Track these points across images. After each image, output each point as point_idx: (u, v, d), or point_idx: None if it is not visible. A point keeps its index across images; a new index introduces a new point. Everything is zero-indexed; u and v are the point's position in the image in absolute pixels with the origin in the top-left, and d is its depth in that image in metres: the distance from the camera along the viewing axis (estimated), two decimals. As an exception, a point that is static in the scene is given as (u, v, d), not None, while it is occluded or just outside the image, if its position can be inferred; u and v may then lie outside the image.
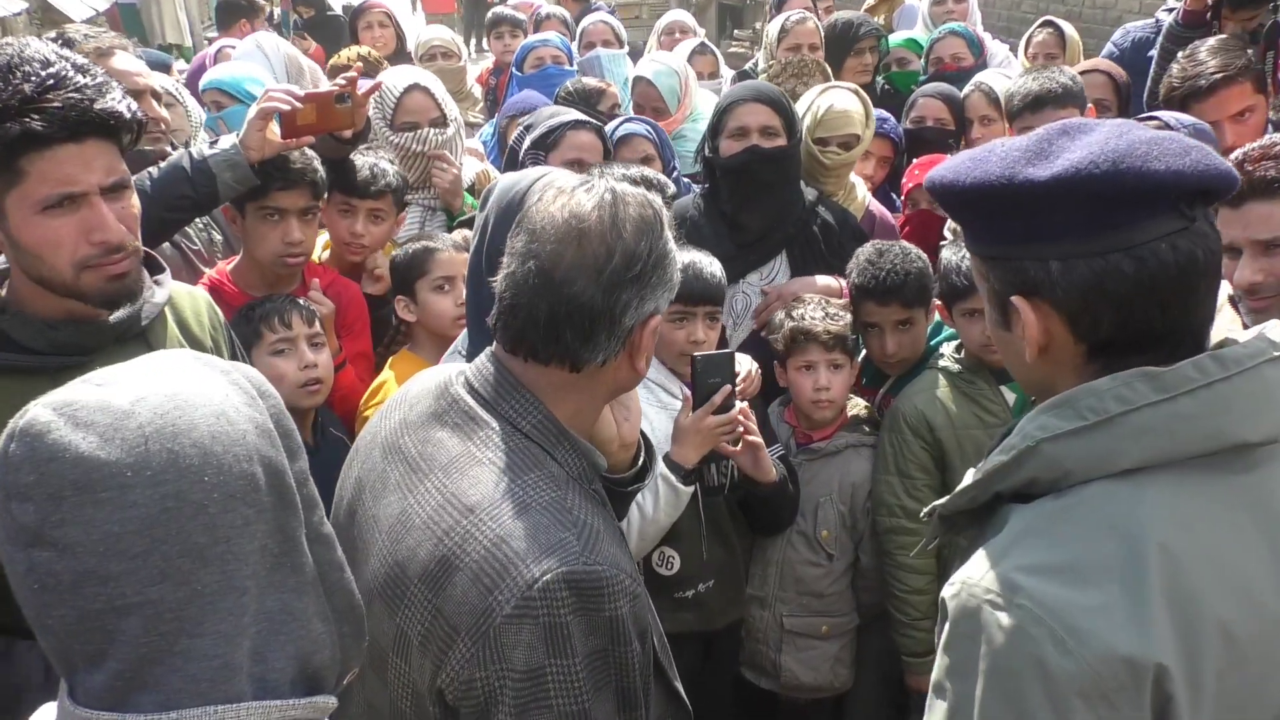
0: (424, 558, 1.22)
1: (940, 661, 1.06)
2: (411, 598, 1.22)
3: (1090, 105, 2.99)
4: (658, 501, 2.10)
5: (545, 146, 2.73)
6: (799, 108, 3.06)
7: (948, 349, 2.44)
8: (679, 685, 1.45)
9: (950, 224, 2.94)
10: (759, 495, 2.31)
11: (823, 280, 2.72)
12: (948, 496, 1.15)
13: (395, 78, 3.16)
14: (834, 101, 2.99)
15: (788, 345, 2.40)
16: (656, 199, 1.34)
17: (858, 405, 2.55)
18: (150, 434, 0.83)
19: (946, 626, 1.04)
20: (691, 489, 2.16)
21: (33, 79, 1.41)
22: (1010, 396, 2.34)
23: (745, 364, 2.32)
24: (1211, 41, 2.97)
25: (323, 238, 2.86)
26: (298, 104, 2.37)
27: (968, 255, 2.22)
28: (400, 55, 4.81)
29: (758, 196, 2.71)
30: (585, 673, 1.17)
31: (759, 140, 2.70)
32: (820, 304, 2.43)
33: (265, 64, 3.64)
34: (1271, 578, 1.01)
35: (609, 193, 1.29)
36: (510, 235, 1.33)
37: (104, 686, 0.83)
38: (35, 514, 0.81)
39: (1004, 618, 0.98)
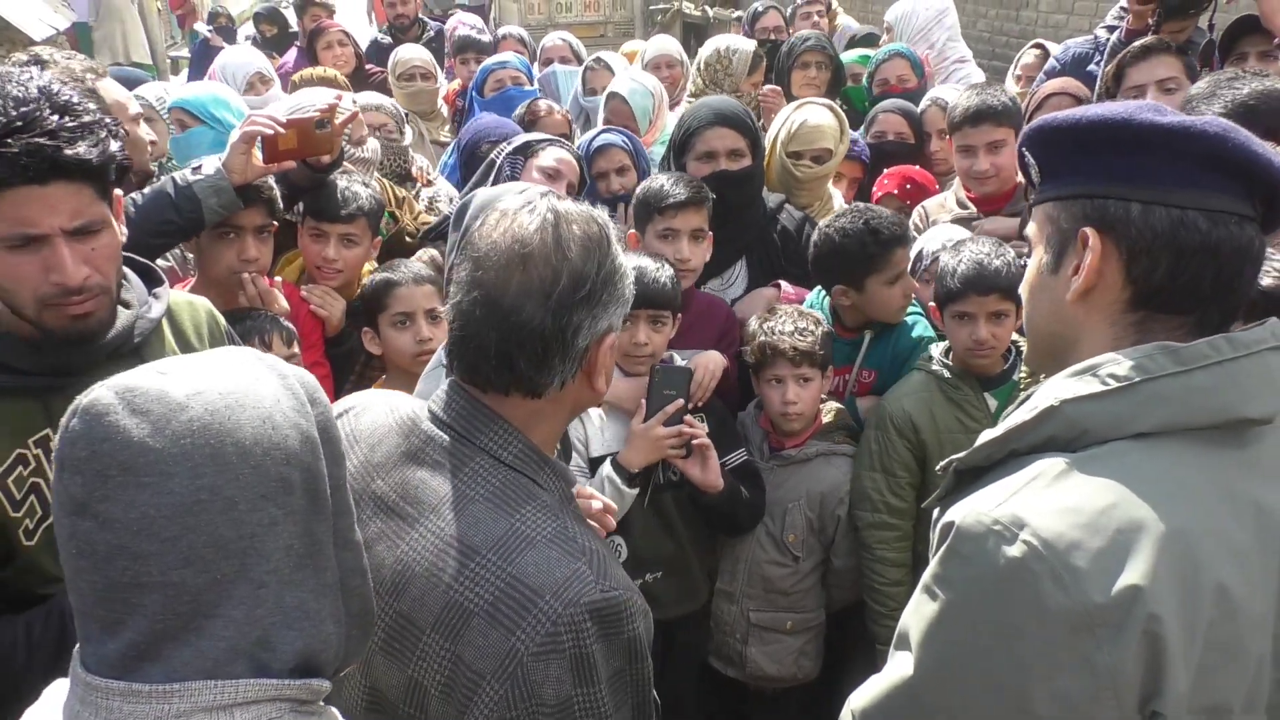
0: (434, 607, 1.19)
1: (934, 569, 1.11)
2: (426, 649, 1.19)
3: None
4: (581, 486, 2.18)
5: (525, 154, 2.76)
6: (774, 123, 3.11)
7: (936, 353, 2.49)
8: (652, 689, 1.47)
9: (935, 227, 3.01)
10: (704, 503, 2.37)
11: (768, 293, 2.78)
12: (966, 451, 1.20)
13: (363, 101, 3.33)
14: (808, 116, 3.05)
15: (758, 359, 2.46)
16: (601, 214, 1.32)
17: (831, 410, 2.60)
18: (198, 429, 0.89)
19: (947, 543, 1.09)
20: (635, 491, 2.25)
21: (0, 119, 1.40)
22: (993, 403, 2.40)
23: (714, 361, 2.41)
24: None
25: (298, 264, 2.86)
26: (280, 129, 2.39)
27: (964, 259, 2.28)
28: (359, 74, 4.83)
29: (726, 217, 2.76)
30: (608, 696, 1.18)
31: (726, 164, 2.77)
32: (791, 317, 2.47)
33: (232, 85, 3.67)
34: (1256, 541, 1.08)
35: (551, 212, 1.26)
36: (455, 263, 1.31)
37: (116, 654, 0.89)
38: (83, 487, 0.87)
39: (1008, 549, 1.03)
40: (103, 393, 0.90)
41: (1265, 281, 1.57)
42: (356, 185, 2.74)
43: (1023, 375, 2.43)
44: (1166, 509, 1.04)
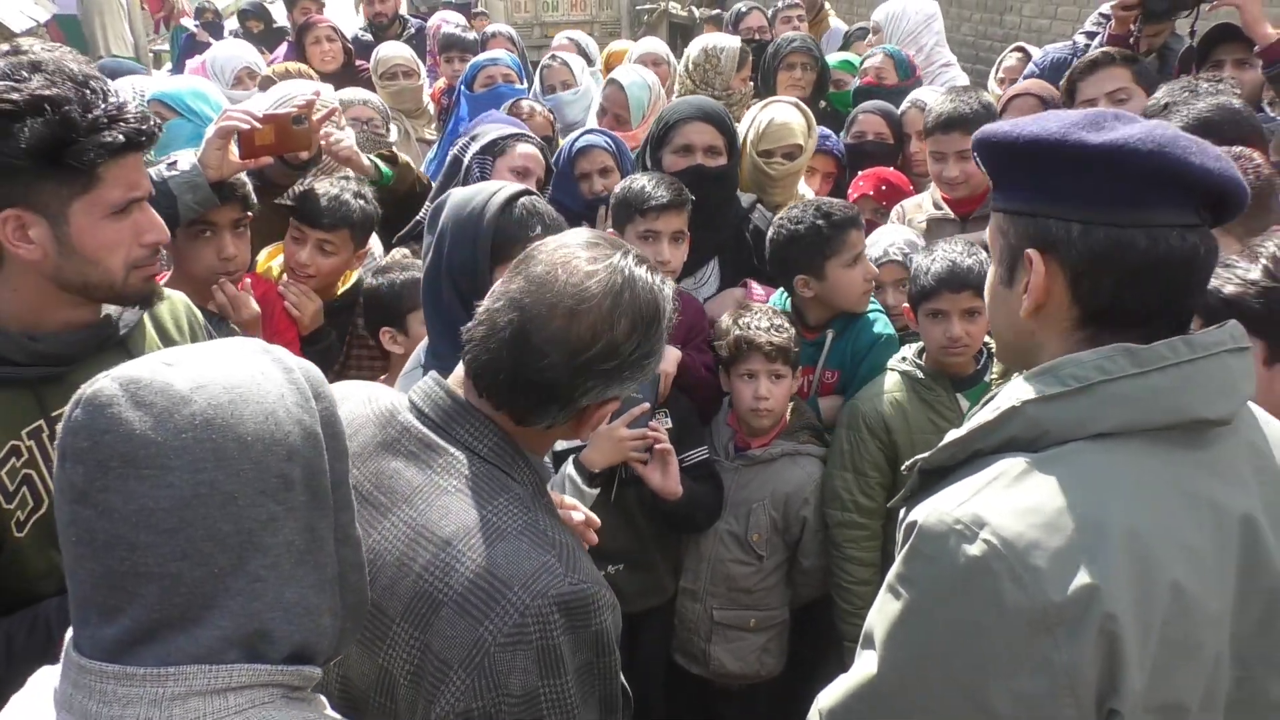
0: (404, 595, 1.20)
1: (898, 569, 1.13)
2: (395, 637, 1.20)
3: None
4: (563, 499, 2.19)
5: (493, 153, 2.74)
6: (743, 123, 3.11)
7: (909, 353, 2.50)
8: (621, 678, 1.48)
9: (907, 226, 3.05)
10: (663, 508, 2.39)
11: (736, 293, 2.79)
12: (930, 451, 1.22)
13: (349, 96, 3.34)
14: (775, 115, 3.06)
15: (731, 353, 2.46)
16: (667, 289, 1.31)
17: (802, 413, 2.61)
18: (200, 424, 0.90)
19: (910, 542, 1.11)
20: (595, 491, 2.26)
21: (106, 94, 1.51)
22: (966, 404, 2.41)
23: (669, 360, 2.43)
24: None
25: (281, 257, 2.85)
26: (257, 124, 2.37)
27: (938, 259, 2.30)
28: (348, 69, 4.81)
29: (701, 213, 2.75)
30: (575, 687, 1.20)
31: (703, 159, 2.77)
32: (767, 314, 2.48)
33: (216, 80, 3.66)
34: (1212, 540, 1.10)
35: (620, 274, 1.24)
36: (510, 269, 1.30)
37: (112, 640, 0.90)
38: (84, 476, 0.88)
39: (969, 548, 1.05)
40: (107, 384, 0.90)
41: (1228, 290, 1.58)
42: (348, 195, 2.69)
43: (994, 376, 2.45)
44: (1124, 509, 1.05)
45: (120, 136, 1.49)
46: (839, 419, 2.56)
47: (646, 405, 2.23)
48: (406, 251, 2.84)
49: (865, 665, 1.17)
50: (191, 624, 0.90)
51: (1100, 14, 4.07)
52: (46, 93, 1.45)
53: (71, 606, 0.93)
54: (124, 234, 1.56)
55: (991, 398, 1.20)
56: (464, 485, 1.25)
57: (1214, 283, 1.58)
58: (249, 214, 2.46)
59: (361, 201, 2.72)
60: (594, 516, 1.78)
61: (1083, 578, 1.02)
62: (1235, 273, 1.59)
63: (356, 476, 1.28)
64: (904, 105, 3.75)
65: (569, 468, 2.26)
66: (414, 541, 1.22)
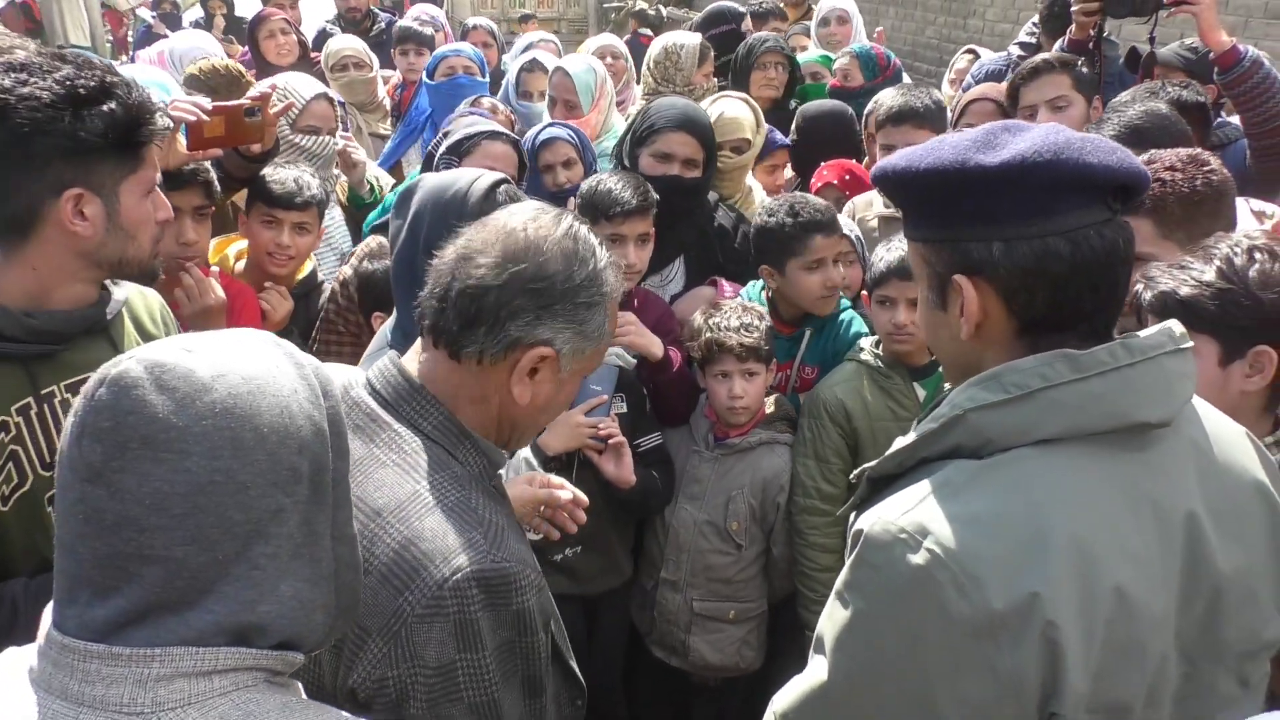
0: None
1: (845, 576, 1.15)
2: None
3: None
4: (514, 479, 2.20)
5: (460, 153, 2.72)
6: None
7: (867, 344, 2.53)
8: (574, 664, 1.50)
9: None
10: (617, 496, 2.43)
11: (706, 292, 2.80)
12: (877, 460, 1.23)
13: (303, 85, 3.26)
14: (724, 109, 3.09)
15: (704, 355, 2.49)
16: (606, 256, 1.35)
17: (773, 401, 2.63)
18: (220, 412, 0.90)
19: (857, 550, 1.13)
20: (549, 476, 2.25)
21: (133, 86, 1.60)
22: (922, 392, 2.45)
23: (652, 342, 2.48)
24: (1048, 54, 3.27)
25: (235, 246, 2.84)
26: (205, 115, 2.35)
27: (894, 249, 2.34)
28: (304, 63, 4.73)
29: (669, 219, 2.75)
30: (494, 664, 1.22)
31: (681, 170, 2.77)
32: (737, 312, 2.50)
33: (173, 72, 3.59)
34: (1156, 542, 1.11)
35: (565, 222, 1.33)
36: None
37: (103, 620, 0.90)
38: (101, 455, 0.88)
39: (913, 557, 1.06)
40: (132, 365, 0.91)
41: (1184, 291, 1.59)
42: (307, 175, 2.77)
43: (943, 398, 2.47)
44: (1065, 515, 1.07)
45: (167, 120, 1.59)
46: (802, 408, 2.59)
47: (605, 397, 2.27)
48: (382, 239, 2.81)
49: (816, 670, 1.19)
50: (186, 608, 0.91)
51: (1033, 23, 4.10)
52: (110, 79, 1.54)
53: (59, 584, 0.93)
54: (149, 212, 1.66)
55: (936, 404, 1.21)
56: (403, 460, 1.28)
57: (1169, 284, 1.61)
58: (211, 202, 2.46)
59: (317, 180, 2.79)
60: (581, 495, 1.82)
61: (1024, 585, 1.03)
62: (1190, 274, 1.60)
63: None
64: (869, 105, 3.73)
65: (525, 450, 2.29)
66: None
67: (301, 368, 1.00)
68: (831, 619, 1.17)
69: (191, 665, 0.90)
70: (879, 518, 1.11)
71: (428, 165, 2.85)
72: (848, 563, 1.15)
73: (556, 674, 1.49)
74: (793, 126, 3.66)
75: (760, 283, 2.76)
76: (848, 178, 3.36)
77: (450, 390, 1.33)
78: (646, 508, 2.57)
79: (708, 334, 2.47)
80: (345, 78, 4.31)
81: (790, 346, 2.69)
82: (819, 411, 2.49)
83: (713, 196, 2.98)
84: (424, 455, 1.28)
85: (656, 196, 2.57)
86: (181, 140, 2.32)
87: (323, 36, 5.53)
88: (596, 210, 2.53)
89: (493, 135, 2.77)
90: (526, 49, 4.64)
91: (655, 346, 2.51)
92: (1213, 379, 1.57)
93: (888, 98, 3.11)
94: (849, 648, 1.14)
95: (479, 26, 5.47)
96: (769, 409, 2.60)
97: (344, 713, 1.00)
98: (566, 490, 1.75)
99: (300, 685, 1.05)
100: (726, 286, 2.81)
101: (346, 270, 2.77)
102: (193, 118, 2.33)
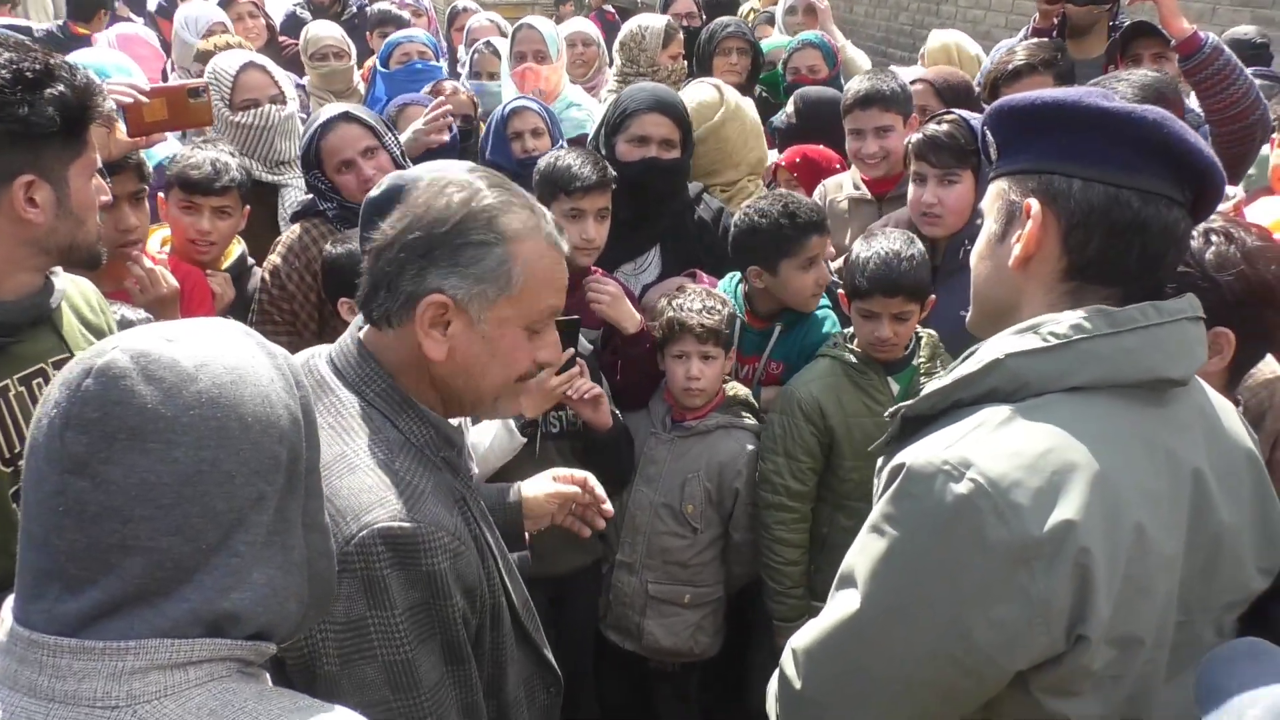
0: None
1: (883, 509, 1.20)
2: None
3: (913, 115, 3.14)
4: (491, 441, 2.25)
5: (313, 165, 2.73)
6: None
7: (840, 340, 2.54)
8: (548, 653, 1.52)
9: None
10: (598, 441, 2.42)
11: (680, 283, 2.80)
12: (912, 400, 1.29)
13: (228, 60, 3.17)
14: (695, 94, 3.12)
15: (664, 334, 2.49)
16: (491, 198, 1.35)
17: (737, 389, 2.64)
18: (206, 401, 0.90)
19: (897, 483, 1.18)
20: (525, 440, 2.30)
21: (76, 67, 1.58)
22: (896, 387, 2.47)
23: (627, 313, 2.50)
24: (1028, 41, 3.25)
25: (160, 233, 2.79)
26: (143, 98, 2.26)
27: (874, 247, 2.33)
28: (272, 46, 4.68)
29: (651, 205, 2.77)
30: (406, 624, 1.23)
31: (658, 152, 2.78)
32: (700, 295, 2.51)
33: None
34: (1169, 489, 1.19)
35: (463, 177, 1.37)
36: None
37: (75, 613, 0.88)
38: (87, 446, 0.87)
39: (956, 487, 1.12)
40: (118, 355, 0.90)
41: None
42: (225, 156, 2.69)
43: (922, 360, 2.51)
44: (1096, 455, 1.13)
45: (111, 102, 1.53)
46: (774, 404, 2.59)
47: (571, 351, 2.23)
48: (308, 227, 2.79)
49: (845, 603, 1.23)
50: (161, 598, 0.90)
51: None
52: (52, 61, 1.51)
53: (23, 579, 0.91)
54: (95, 196, 1.64)
55: (972, 353, 1.27)
56: (337, 423, 1.32)
57: None
58: (145, 185, 2.41)
59: (237, 159, 2.72)
60: (600, 492, 1.88)
61: (1061, 514, 1.09)
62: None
63: None
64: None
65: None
66: None
67: (274, 357, 1.00)
68: (865, 552, 1.21)
69: (167, 657, 0.89)
70: (922, 452, 1.17)
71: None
72: (884, 497, 1.20)
73: (527, 659, 1.52)
74: (790, 110, 3.67)
75: (735, 276, 2.77)
76: (798, 160, 3.37)
77: (392, 360, 1.37)
78: (620, 470, 2.54)
79: (669, 314, 2.48)
80: (325, 67, 4.27)
81: (760, 340, 2.71)
82: (793, 409, 2.49)
83: (695, 187, 2.98)
84: (360, 420, 1.32)
85: (614, 172, 2.58)
86: (121, 126, 2.24)
87: (290, 20, 5.46)
88: (555, 185, 2.53)
89: (335, 120, 2.74)
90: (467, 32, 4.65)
91: (629, 321, 2.52)
92: None
93: (856, 83, 3.15)
94: (886, 577, 1.19)
95: (468, 9, 5.40)
96: (728, 394, 2.61)
97: (316, 700, 1.00)
98: (587, 490, 1.78)
99: (268, 675, 1.05)
100: (706, 280, 2.81)
101: (275, 259, 2.74)
102: (129, 100, 2.25)
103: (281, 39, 4.91)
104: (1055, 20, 3.59)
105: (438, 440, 1.39)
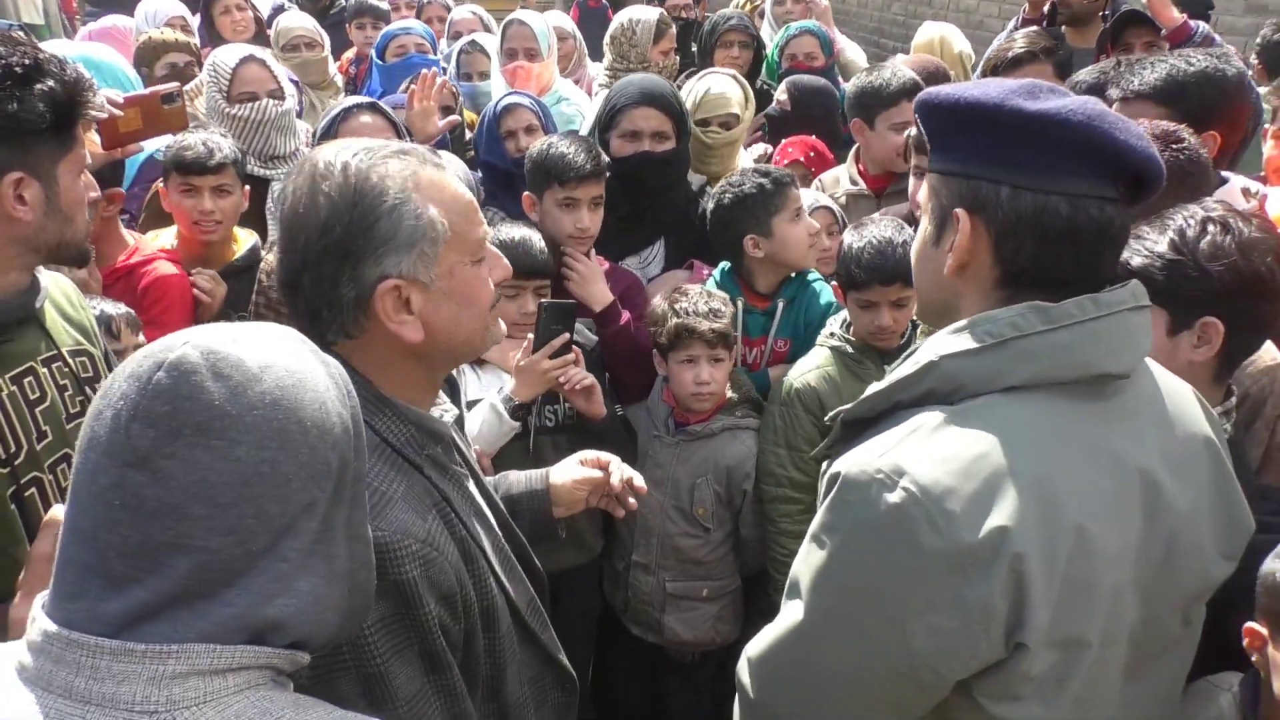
0: None
1: (822, 518, 1.20)
2: None
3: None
4: (481, 425, 2.24)
5: (330, 138, 2.62)
6: (681, 95, 3.12)
7: (837, 328, 2.52)
8: (559, 654, 1.49)
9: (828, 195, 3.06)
10: (592, 431, 2.39)
11: (681, 276, 2.80)
12: (852, 403, 1.28)
13: (228, 53, 3.14)
14: (711, 85, 3.09)
15: (671, 340, 2.45)
16: (377, 166, 1.28)
17: (739, 381, 2.62)
18: (269, 403, 0.90)
19: (834, 491, 1.18)
20: (516, 424, 2.29)
21: (65, 62, 1.57)
22: None
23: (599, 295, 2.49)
24: (1029, 29, 3.24)
25: (162, 238, 2.78)
26: (117, 110, 2.20)
27: (865, 237, 2.34)
28: (259, 40, 4.65)
29: (649, 198, 2.76)
30: (378, 636, 1.20)
31: (650, 145, 2.77)
32: (704, 298, 2.47)
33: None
34: (1113, 485, 1.17)
35: (308, 172, 1.28)
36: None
37: (118, 612, 0.87)
38: (152, 440, 0.86)
39: (890, 496, 1.11)
40: (189, 350, 0.90)
41: (1136, 261, 1.62)
42: (216, 136, 2.70)
43: (917, 348, 2.48)
44: (1032, 457, 1.12)
45: (102, 99, 1.54)
46: (771, 395, 2.58)
47: (566, 336, 2.24)
48: None
49: (792, 613, 1.23)
50: (205, 601, 0.88)
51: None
52: (42, 56, 1.50)
53: (64, 575, 0.89)
54: (83, 193, 1.63)
55: (911, 353, 1.26)
56: None
57: (1124, 254, 1.63)
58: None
59: (229, 139, 2.72)
60: (631, 472, 1.84)
61: (994, 520, 1.08)
62: (1144, 244, 1.63)
63: None
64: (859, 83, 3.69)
65: (492, 396, 2.27)
66: None
67: (328, 365, 1.00)
68: (807, 561, 1.21)
69: (209, 663, 0.87)
70: (856, 460, 1.16)
71: None
72: (824, 505, 1.20)
73: (534, 659, 1.49)
74: (782, 96, 3.67)
75: (725, 265, 2.75)
76: (812, 154, 3.37)
77: (367, 361, 1.31)
78: (617, 450, 2.49)
79: (675, 319, 2.43)
80: (297, 58, 4.23)
81: (765, 321, 2.69)
82: (791, 400, 2.48)
83: (699, 180, 2.97)
84: None
85: (608, 159, 2.57)
86: (94, 139, 2.18)
87: (279, 13, 5.43)
88: (548, 175, 2.52)
89: (351, 111, 2.70)
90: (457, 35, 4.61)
91: (595, 300, 2.51)
92: (1161, 347, 1.60)
93: (897, 75, 3.12)
94: (826, 587, 1.19)
95: (434, 1, 5.34)
96: (729, 394, 2.59)
97: (349, 713, 0.98)
98: (614, 474, 1.75)
99: (290, 684, 1.03)
100: (704, 270, 2.81)
101: (271, 258, 2.70)
102: (104, 115, 2.17)
103: (269, 31, 4.88)
104: (1045, 10, 3.59)
105: (419, 437, 1.34)
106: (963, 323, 1.20)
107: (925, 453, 1.12)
